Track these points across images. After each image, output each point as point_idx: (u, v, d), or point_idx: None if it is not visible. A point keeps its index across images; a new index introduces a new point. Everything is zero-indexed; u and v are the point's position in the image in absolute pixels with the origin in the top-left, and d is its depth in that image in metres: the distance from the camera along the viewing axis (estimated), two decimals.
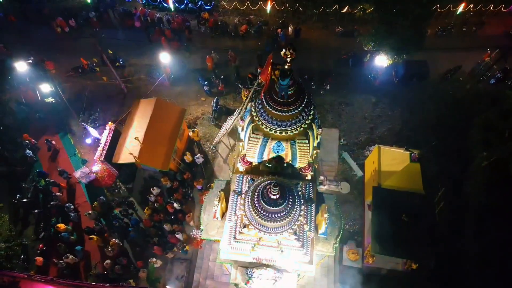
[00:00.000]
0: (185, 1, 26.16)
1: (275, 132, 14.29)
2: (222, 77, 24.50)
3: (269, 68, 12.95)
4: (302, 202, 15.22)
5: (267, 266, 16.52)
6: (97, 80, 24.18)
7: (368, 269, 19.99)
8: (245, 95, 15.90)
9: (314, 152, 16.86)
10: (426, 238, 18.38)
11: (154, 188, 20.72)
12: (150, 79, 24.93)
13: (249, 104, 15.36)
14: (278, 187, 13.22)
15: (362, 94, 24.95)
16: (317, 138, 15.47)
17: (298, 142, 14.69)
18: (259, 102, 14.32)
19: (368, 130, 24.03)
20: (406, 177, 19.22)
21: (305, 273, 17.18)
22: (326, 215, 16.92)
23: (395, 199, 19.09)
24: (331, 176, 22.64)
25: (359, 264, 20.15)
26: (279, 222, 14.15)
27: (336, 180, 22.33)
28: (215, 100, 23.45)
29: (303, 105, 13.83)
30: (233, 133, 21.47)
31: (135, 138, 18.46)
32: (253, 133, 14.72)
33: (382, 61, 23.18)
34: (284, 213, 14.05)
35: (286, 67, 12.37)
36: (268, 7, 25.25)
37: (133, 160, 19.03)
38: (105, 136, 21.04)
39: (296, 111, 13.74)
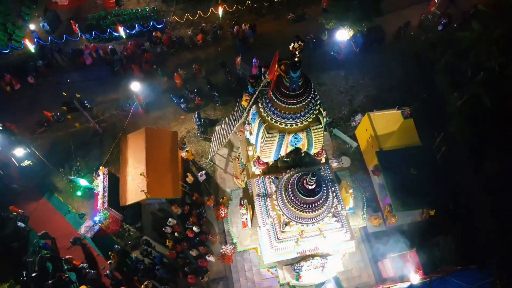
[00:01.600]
0: (136, 26, 25.29)
1: (291, 125, 14.45)
2: (196, 90, 24.13)
3: (276, 65, 13.04)
4: (330, 185, 15.60)
5: (312, 256, 16.74)
6: (68, 128, 22.78)
7: (392, 228, 20.90)
8: (246, 99, 15.82)
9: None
10: (438, 183, 19.66)
11: (170, 220, 20.06)
12: (122, 112, 23.93)
13: (253, 107, 15.35)
14: (316, 177, 13.39)
15: (331, 71, 25.78)
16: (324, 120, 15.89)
17: (313, 129, 14.96)
18: (267, 101, 14.40)
19: (347, 103, 24.95)
20: (403, 135, 20.30)
21: (346, 251, 17.64)
22: (351, 191, 17.52)
23: (399, 157, 20.15)
24: (329, 154, 23.26)
25: (383, 227, 21.01)
26: (320, 209, 14.35)
27: (336, 157, 22.98)
28: (196, 115, 23.06)
29: (312, 93, 14.15)
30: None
31: (140, 174, 17.76)
32: (268, 133, 14.76)
33: (342, 35, 24.14)
34: (323, 199, 14.27)
35: (296, 59, 12.54)
36: (220, 11, 25.18)
37: (141, 198, 18.28)
38: (101, 182, 19.95)
39: (307, 100, 13.98)
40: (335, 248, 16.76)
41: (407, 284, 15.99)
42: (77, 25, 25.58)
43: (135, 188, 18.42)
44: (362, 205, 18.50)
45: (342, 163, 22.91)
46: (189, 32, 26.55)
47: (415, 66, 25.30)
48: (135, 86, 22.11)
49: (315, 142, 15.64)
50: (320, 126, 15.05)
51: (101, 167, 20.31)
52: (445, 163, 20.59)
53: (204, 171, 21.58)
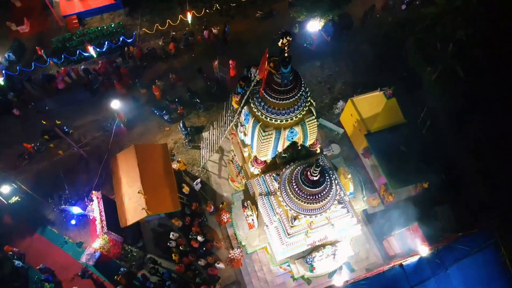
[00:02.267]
0: (106, 43, 24.68)
1: (286, 121, 14.59)
2: (176, 100, 23.87)
3: (266, 63, 13.09)
4: (331, 173, 15.82)
5: (323, 245, 16.92)
6: (51, 157, 22.01)
7: (390, 206, 21.41)
8: (237, 101, 15.79)
9: None
10: (427, 156, 20.30)
11: (172, 233, 19.79)
12: (104, 133, 23.34)
13: (245, 107, 15.35)
14: (320, 167, 13.53)
15: (307, 62, 26.07)
16: None
17: (308, 121, 15.17)
18: (260, 100, 14.46)
19: (327, 92, 25.34)
20: (388, 114, 20.83)
21: (353, 235, 17.90)
22: (349, 176, 17.83)
23: (387, 137, 20.71)
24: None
25: (382, 207, 21.51)
26: (326, 198, 14.53)
27: (325, 145, 23.31)
28: (181, 124, 22.82)
29: (302, 86, 14.33)
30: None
31: (138, 192, 17.42)
32: (264, 131, 14.82)
33: (313, 26, 24.47)
34: (328, 188, 14.45)
35: (286, 54, 12.65)
36: (189, 18, 24.95)
37: (142, 216, 17.93)
38: (96, 206, 19.41)
39: (299, 93, 14.17)
40: (343, 234, 16.99)
41: (417, 257, 16.39)
42: (43, 50, 24.70)
43: (134, 207, 18.04)
44: (360, 188, 18.84)
45: (333, 151, 23.32)
46: (160, 43, 26.19)
47: (386, 47, 25.95)
48: (115, 104, 21.62)
49: (310, 134, 15.84)
50: (314, 117, 15.27)
51: (93, 192, 19.76)
52: (431, 135, 21.26)
53: (199, 179, 21.40)
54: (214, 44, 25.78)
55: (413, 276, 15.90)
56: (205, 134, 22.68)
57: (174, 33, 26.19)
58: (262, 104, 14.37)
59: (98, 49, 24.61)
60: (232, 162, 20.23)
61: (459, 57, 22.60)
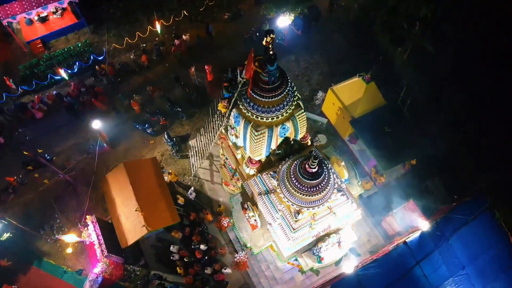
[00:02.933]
0: (76, 63, 23.99)
1: (277, 117, 14.68)
2: (157, 111, 23.54)
3: (252, 63, 13.11)
4: (326, 163, 16.01)
5: (327, 235, 17.14)
6: (37, 188, 21.28)
7: (383, 187, 21.87)
8: (224, 105, 15.72)
9: None
10: (411, 133, 20.85)
11: (173, 246, 19.54)
12: (88, 155, 22.76)
13: (234, 110, 15.33)
14: (318, 158, 13.66)
15: (281, 58, 26.19)
16: None
17: (298, 115, 15.32)
18: (248, 100, 14.48)
19: (305, 84, 25.59)
20: (369, 99, 21.26)
21: (354, 220, 18.18)
22: (342, 163, 18.11)
23: (371, 120, 21.12)
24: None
25: (375, 189, 21.90)
26: (326, 188, 14.74)
27: (312, 137, 23.52)
28: (165, 136, 22.51)
29: (289, 82, 14.44)
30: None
31: (136, 210, 17.10)
32: (256, 131, 14.85)
33: (283, 21, 24.65)
34: (326, 178, 14.65)
35: (271, 52, 12.71)
36: (158, 28, 24.60)
37: (143, 233, 17.60)
38: (93, 231, 18.89)
39: (287, 89, 14.31)
40: (345, 221, 17.25)
41: (418, 232, 16.82)
42: (11, 80, 23.78)
43: (132, 226, 17.70)
44: (354, 174, 19.20)
45: (320, 141, 23.58)
46: (131, 56, 25.71)
47: (356, 33, 26.47)
48: (96, 124, 21.10)
49: (300, 127, 16.00)
50: (303, 111, 15.46)
51: (87, 216, 19.22)
52: (413, 112, 21.83)
53: (192, 189, 21.19)
54: (188, 52, 25.52)
55: (418, 251, 16.31)
56: (192, 142, 22.46)
57: (144, 45, 25.76)
58: (252, 104, 14.39)
59: (69, 71, 23.90)
60: (225, 166, 20.16)
61: (426, 34, 23.37)
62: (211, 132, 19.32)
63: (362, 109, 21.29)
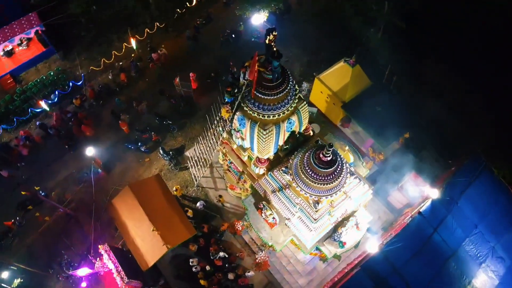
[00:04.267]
0: (55, 92, 23.11)
1: (283, 113, 14.83)
2: (148, 128, 23.12)
3: (256, 65, 13.16)
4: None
5: (345, 219, 17.48)
6: (38, 226, 20.42)
7: (383, 165, 22.48)
8: (227, 110, 15.67)
9: None
10: (401, 108, 21.52)
11: (191, 260, 19.29)
12: (83, 184, 22.07)
13: (237, 113, 15.32)
14: (332, 146, 13.89)
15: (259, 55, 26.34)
16: None
17: (301, 108, 15.53)
18: (253, 101, 14.53)
19: None
20: (356, 82, 21.76)
21: (367, 200, 18.61)
22: (347, 148, 18.51)
23: (361, 102, 21.65)
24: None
25: (375, 167, 22.47)
26: (341, 174, 15.04)
27: None
28: (161, 151, 22.19)
29: (290, 77, 14.62)
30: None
31: (152, 230, 16.79)
32: (264, 129, 14.94)
33: (258, 19, 24.76)
34: (340, 164, 14.94)
35: (275, 49, 12.82)
36: (133, 44, 24.09)
37: (163, 252, 17.29)
38: (108, 260, 18.36)
39: (290, 84, 14.48)
40: (358, 203, 17.66)
41: (429, 201, 17.46)
42: None
43: (150, 246, 17.33)
44: (358, 156, 19.68)
45: (314, 131, 23.93)
46: (109, 76, 25.05)
47: (328, 21, 26.99)
48: (90, 151, 20.50)
49: (304, 119, 16.23)
50: (306, 103, 15.69)
51: (100, 246, 18.65)
52: (399, 88, 22.57)
53: (200, 201, 20.96)
54: (168, 63, 25.20)
55: (433, 219, 17.00)
56: (189, 153, 22.22)
57: (121, 63, 25.17)
58: (257, 104, 14.45)
59: (49, 101, 23.02)
60: (229, 171, 20.08)
61: (396, 11, 24.15)
62: (211, 139, 19.21)
63: (351, 93, 21.78)
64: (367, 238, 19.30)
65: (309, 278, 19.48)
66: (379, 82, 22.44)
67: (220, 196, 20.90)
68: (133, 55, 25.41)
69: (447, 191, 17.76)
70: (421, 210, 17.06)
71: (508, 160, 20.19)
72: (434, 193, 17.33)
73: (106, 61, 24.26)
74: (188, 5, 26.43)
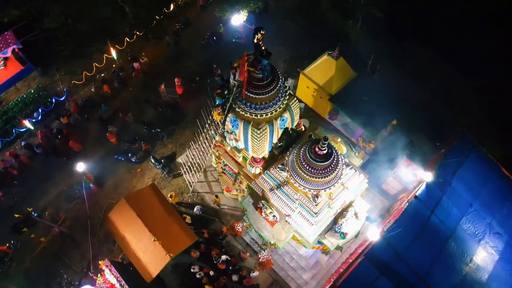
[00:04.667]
0: (39, 110, 22.58)
1: (276, 111, 14.87)
2: (137, 138, 22.84)
3: (246, 65, 13.15)
4: None
5: (343, 210, 17.63)
6: (34, 248, 19.92)
7: (374, 153, 22.73)
8: (219, 112, 15.61)
9: None
10: (386, 96, 21.79)
11: (193, 267, 19.16)
12: (76, 201, 21.64)
13: (229, 115, 15.29)
14: (327, 140, 14.00)
15: (241, 56, 26.30)
16: None
17: (292, 104, 15.60)
18: (244, 101, 14.52)
19: None
20: (341, 74, 21.96)
21: (363, 190, 18.81)
22: (339, 140, 18.68)
23: (348, 93, 21.89)
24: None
25: (367, 156, 22.73)
26: (338, 166, 15.18)
27: None
28: (152, 160, 21.98)
29: (279, 74, 14.65)
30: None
31: (153, 240, 16.60)
32: (258, 129, 14.96)
33: (238, 19, 24.74)
34: (336, 156, 15.07)
35: (263, 47, 12.83)
36: (114, 54, 23.74)
37: (166, 261, 17.11)
38: (110, 275, 18.01)
39: (280, 82, 14.51)
40: (355, 193, 17.83)
41: (424, 184, 17.75)
42: None
43: (153, 257, 17.13)
44: (350, 147, 19.87)
45: (305, 126, 24.06)
46: (92, 89, 24.62)
47: (306, 16, 27.19)
48: (80, 167, 20.13)
49: (295, 115, 16.33)
50: (296, 99, 15.76)
51: (100, 262, 18.33)
52: (383, 76, 22.87)
53: (197, 206, 20.83)
54: (151, 71, 24.94)
55: (429, 201, 17.25)
56: (181, 159, 22.06)
57: (102, 74, 24.79)
58: (249, 104, 14.45)
59: (33, 120, 22.49)
60: (224, 173, 20.01)
61: (373, 1, 24.49)
62: (204, 143, 19.10)
63: (337, 85, 21.97)
64: (366, 227, 19.56)
65: (313, 272, 19.61)
66: (363, 72, 22.68)
67: (216, 196, 20.83)
68: (114, 65, 25.02)
69: (440, 173, 18.07)
70: (416, 194, 17.32)
71: (495, 138, 20.79)
72: (428, 176, 17.62)
73: (87, 73, 23.84)
74: (166, 10, 26.23)
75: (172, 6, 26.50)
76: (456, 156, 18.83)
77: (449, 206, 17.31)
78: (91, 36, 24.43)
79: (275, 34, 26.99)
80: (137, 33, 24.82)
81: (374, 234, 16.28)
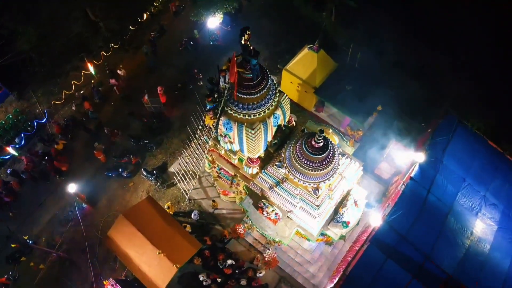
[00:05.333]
0: (21, 135, 21.86)
1: (268, 109, 14.88)
2: (125, 152, 22.47)
3: (235, 67, 13.10)
4: None
5: (343, 199, 17.81)
6: (34, 276, 19.32)
7: (363, 140, 23.03)
8: (210, 117, 15.50)
9: None
10: (369, 82, 22.16)
11: (200, 275, 18.96)
12: (70, 223, 21.12)
13: (222, 118, 15.21)
14: (323, 132, 14.11)
15: (222, 57, 25.61)
16: None
17: (283, 101, 15.65)
18: (236, 103, 14.47)
19: None
20: (323, 66, 22.19)
21: (359, 177, 19.05)
22: (330, 131, 18.88)
23: (332, 84, 22.12)
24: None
25: (357, 144, 22.97)
26: (335, 157, 15.33)
27: None
28: (144, 172, 21.67)
29: (268, 72, 14.67)
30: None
31: (158, 253, 16.36)
32: (252, 129, 14.95)
33: (213, 22, 24.60)
34: (333, 148, 15.22)
35: (252, 47, 12.81)
36: (91, 69, 23.22)
37: (173, 272, 16.88)
38: None
39: (270, 80, 14.53)
40: (352, 181, 18.05)
41: (417, 165, 18.10)
42: None
43: (159, 270, 16.86)
44: (341, 137, 20.10)
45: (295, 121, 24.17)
46: (73, 108, 24.02)
47: (281, 13, 27.34)
48: (72, 188, 19.64)
49: (286, 111, 16.40)
50: (286, 95, 15.80)
51: (105, 282, 17.97)
52: (363, 65, 23.20)
53: (194, 211, 20.66)
54: (131, 82, 24.53)
55: (424, 181, 17.52)
56: (174, 168, 21.81)
57: (82, 92, 24.21)
58: (241, 105, 14.41)
59: (17, 146, 21.78)
60: (220, 177, 19.89)
61: None
62: (197, 150, 18.94)
63: (320, 78, 22.17)
64: (365, 213, 19.83)
65: (318, 264, 19.76)
66: (344, 62, 22.97)
67: (213, 201, 20.73)
68: (93, 81, 24.48)
69: (430, 152, 18.45)
70: (411, 175, 17.66)
71: (477, 112, 21.43)
72: (420, 157, 17.98)
73: (66, 92, 23.25)
74: (140, 20, 25.84)
75: (145, 15, 26.13)
76: (443, 134, 19.22)
77: (444, 183, 17.67)
78: (66, 53, 23.81)
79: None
80: (113, 45, 24.36)
81: (376, 220, 16.52)
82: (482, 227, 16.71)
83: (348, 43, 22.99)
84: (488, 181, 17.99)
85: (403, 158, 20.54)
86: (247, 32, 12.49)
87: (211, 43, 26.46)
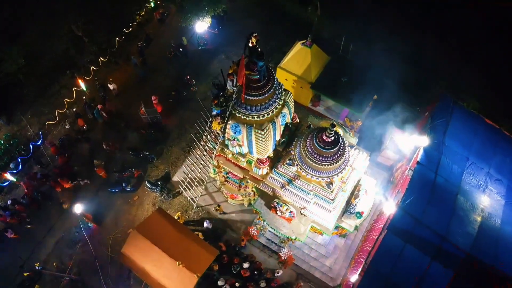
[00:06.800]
0: (18, 160, 21.20)
1: (275, 109, 14.86)
2: (126, 166, 22.08)
3: (244, 69, 13.03)
4: None
5: (354, 190, 17.96)
6: None
7: (363, 129, 23.29)
8: (218, 122, 15.37)
9: None
10: (363, 72, 22.39)
11: (219, 281, 18.82)
12: (78, 244, 20.62)
13: (229, 122, 15.12)
14: (334, 126, 14.18)
15: (213, 61, 26.06)
16: None
17: (288, 99, 15.66)
18: (245, 105, 14.42)
19: None
20: (317, 61, 22.35)
21: (366, 166, 19.22)
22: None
23: (327, 78, 22.31)
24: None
25: (357, 134, 23.21)
26: (345, 149, 15.44)
27: None
28: (148, 185, 21.37)
29: (273, 72, 14.66)
30: None
31: (178, 265, 16.16)
32: (261, 130, 14.91)
33: (201, 26, 24.41)
34: (342, 141, 15.31)
35: (259, 49, 12.79)
36: (82, 85, 22.69)
37: (193, 283, 16.72)
38: None
39: (276, 80, 14.51)
40: (360, 171, 18.21)
41: (421, 149, 18.37)
42: None
43: (179, 281, 16.66)
44: (344, 129, 20.21)
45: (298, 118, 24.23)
46: (66, 126, 23.43)
47: (267, 12, 27.36)
48: (78, 208, 19.20)
49: (291, 109, 16.40)
50: (291, 93, 15.82)
51: None
52: (355, 55, 23.44)
53: (206, 220, 20.47)
54: (124, 95, 24.12)
55: (430, 164, 17.82)
56: (178, 177, 21.56)
57: (74, 109, 23.65)
58: (249, 107, 14.36)
59: (14, 171, 21.11)
60: (227, 181, 19.78)
61: None
62: (202, 157, 18.76)
63: (315, 72, 22.31)
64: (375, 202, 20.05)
65: (334, 257, 19.92)
66: (336, 55, 23.16)
67: (218, 205, 20.63)
68: (84, 97, 23.92)
69: (432, 136, 18.80)
70: (418, 160, 17.94)
71: (471, 92, 21.95)
72: (424, 141, 18.28)
73: (59, 111, 22.65)
74: (126, 31, 25.40)
75: (131, 26, 25.71)
76: (442, 116, 19.57)
77: (449, 164, 18.02)
78: (54, 72, 23.21)
79: (240, 34, 26.83)
80: (102, 59, 23.87)
81: (390, 207, 16.73)
82: (490, 202, 17.12)
83: (338, 36, 23.18)
84: (490, 157, 18.42)
85: (404, 144, 20.84)
86: (254, 35, 12.42)
87: (200, 48, 26.25)
